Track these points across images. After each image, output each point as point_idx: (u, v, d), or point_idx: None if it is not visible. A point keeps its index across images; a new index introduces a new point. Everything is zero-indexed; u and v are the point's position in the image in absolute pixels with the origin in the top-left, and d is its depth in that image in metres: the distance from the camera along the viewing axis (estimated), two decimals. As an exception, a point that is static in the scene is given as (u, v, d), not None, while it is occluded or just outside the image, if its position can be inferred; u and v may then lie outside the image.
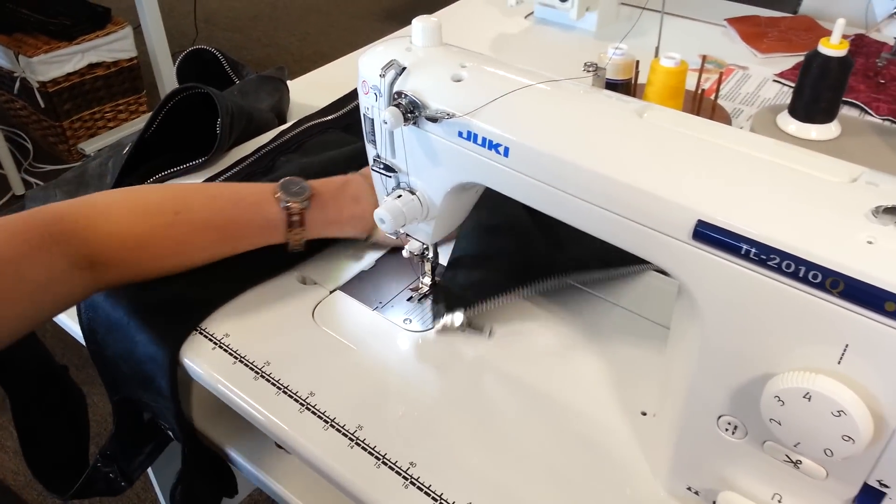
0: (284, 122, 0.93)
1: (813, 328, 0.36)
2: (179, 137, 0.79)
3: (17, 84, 2.08)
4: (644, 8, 1.24)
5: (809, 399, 0.36)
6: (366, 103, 0.52)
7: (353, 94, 0.91)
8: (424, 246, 0.60)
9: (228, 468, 0.69)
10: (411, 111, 0.47)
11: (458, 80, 0.48)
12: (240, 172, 0.77)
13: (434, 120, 0.47)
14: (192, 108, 0.78)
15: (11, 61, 2.03)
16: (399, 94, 0.48)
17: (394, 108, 0.47)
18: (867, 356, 0.35)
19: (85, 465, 0.70)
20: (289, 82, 1.03)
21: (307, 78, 1.09)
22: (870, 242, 0.34)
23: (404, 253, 0.60)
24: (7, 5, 2.07)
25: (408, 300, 0.65)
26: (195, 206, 0.59)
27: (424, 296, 0.65)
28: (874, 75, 1.00)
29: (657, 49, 0.90)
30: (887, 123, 0.52)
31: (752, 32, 1.12)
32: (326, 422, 0.55)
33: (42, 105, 2.06)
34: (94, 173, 0.78)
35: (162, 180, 0.77)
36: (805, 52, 0.75)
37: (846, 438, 0.36)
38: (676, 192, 0.39)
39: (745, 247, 0.36)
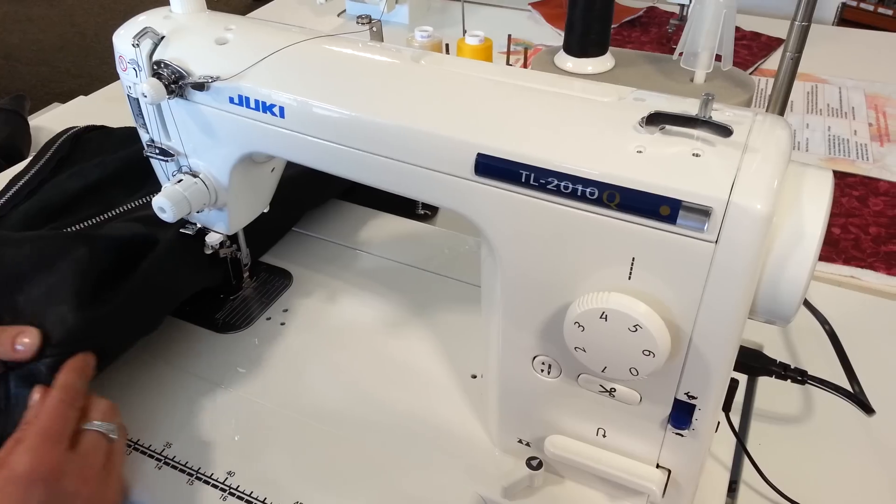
0: (21, 160, 0.82)
1: (599, 247, 0.35)
2: None
3: None
4: (453, -2, 1.26)
5: (606, 319, 0.35)
6: (127, 82, 0.47)
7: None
8: (226, 239, 0.55)
9: None
10: (174, 81, 0.43)
11: (224, 43, 0.44)
12: None
13: (200, 87, 0.43)
14: None
15: None
16: (159, 63, 0.43)
17: (153, 79, 0.43)
18: (653, 266, 0.35)
19: None
20: (75, 105, 0.94)
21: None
22: (639, 151, 0.34)
23: (206, 249, 0.55)
24: None
25: (220, 296, 0.59)
26: None
27: (238, 296, 0.60)
28: (667, 41, 1.07)
29: (464, 32, 0.91)
30: (658, 53, 0.55)
31: (555, 13, 1.17)
32: (128, 445, 0.49)
33: None
34: None
35: None
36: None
37: (647, 353, 0.35)
38: (454, 129, 0.37)
39: (524, 173, 0.35)
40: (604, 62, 0.54)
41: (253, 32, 0.45)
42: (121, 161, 0.72)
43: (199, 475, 0.47)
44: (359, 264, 0.64)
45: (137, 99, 0.47)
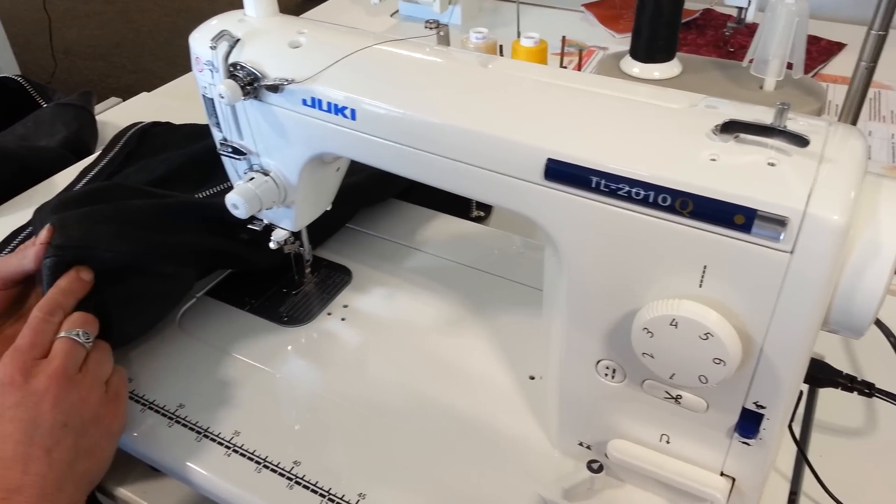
0: (88, 154, 0.85)
1: (671, 254, 0.35)
2: None
3: None
4: (506, -2, 1.26)
5: (676, 326, 0.35)
6: (202, 82, 0.48)
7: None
8: (290, 235, 0.56)
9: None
10: (249, 82, 0.44)
11: (297, 47, 0.45)
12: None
13: (275, 89, 0.44)
14: None
15: None
16: (235, 65, 0.45)
17: (230, 80, 0.44)
18: (725, 275, 0.35)
19: None
20: (137, 101, 0.97)
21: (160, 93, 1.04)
22: (713, 160, 0.34)
23: (272, 244, 0.56)
24: None
25: (283, 291, 0.61)
26: None
27: (300, 291, 0.61)
28: (724, 45, 1.06)
29: (518, 33, 0.91)
30: (725, 60, 0.54)
31: (609, 15, 1.16)
32: (199, 433, 0.50)
33: None
34: None
35: None
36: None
37: (717, 361, 0.35)
38: (524, 134, 0.38)
39: (595, 179, 0.35)
40: (671, 68, 0.54)
41: (325, 36, 0.46)
42: (185, 157, 0.74)
43: (266, 463, 0.48)
44: (416, 263, 0.64)
45: (212, 99, 0.48)
